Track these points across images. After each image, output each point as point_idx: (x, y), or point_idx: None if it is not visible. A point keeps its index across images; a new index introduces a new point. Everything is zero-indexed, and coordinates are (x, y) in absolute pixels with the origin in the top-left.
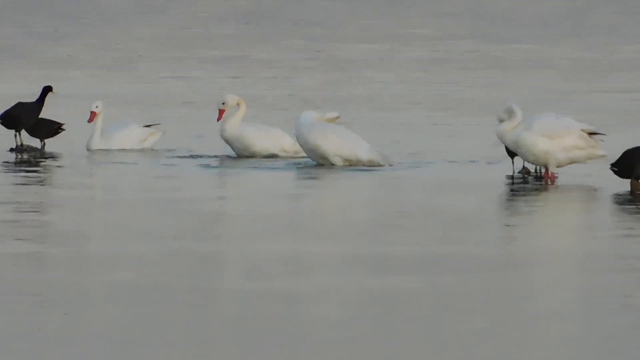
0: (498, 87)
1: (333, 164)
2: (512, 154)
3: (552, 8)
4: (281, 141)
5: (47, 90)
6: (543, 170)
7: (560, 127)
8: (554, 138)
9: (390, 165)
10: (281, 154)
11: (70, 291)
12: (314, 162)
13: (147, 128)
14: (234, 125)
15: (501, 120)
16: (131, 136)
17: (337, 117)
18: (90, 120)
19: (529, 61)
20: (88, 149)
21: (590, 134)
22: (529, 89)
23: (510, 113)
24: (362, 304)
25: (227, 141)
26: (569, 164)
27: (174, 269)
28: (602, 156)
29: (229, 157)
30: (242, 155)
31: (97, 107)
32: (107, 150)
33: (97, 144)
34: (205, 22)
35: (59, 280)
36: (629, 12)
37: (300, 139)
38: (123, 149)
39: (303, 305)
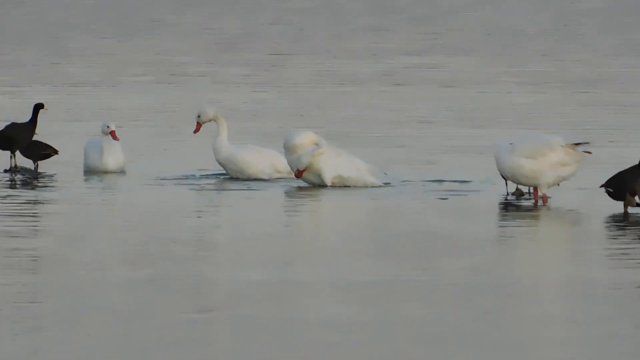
0: (495, 104)
1: (325, 185)
2: None
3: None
4: (274, 162)
5: (38, 107)
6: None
7: (542, 146)
8: (538, 157)
9: (383, 184)
10: (274, 175)
11: (67, 317)
12: (305, 184)
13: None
14: (223, 145)
15: None
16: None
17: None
18: (116, 138)
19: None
20: (105, 170)
21: (576, 144)
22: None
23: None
24: (349, 329)
25: (220, 163)
26: (560, 181)
27: (158, 294)
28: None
29: (221, 178)
30: (236, 177)
31: (109, 126)
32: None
33: (112, 163)
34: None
35: (54, 307)
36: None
37: (291, 160)
38: (120, 170)
39: (291, 330)
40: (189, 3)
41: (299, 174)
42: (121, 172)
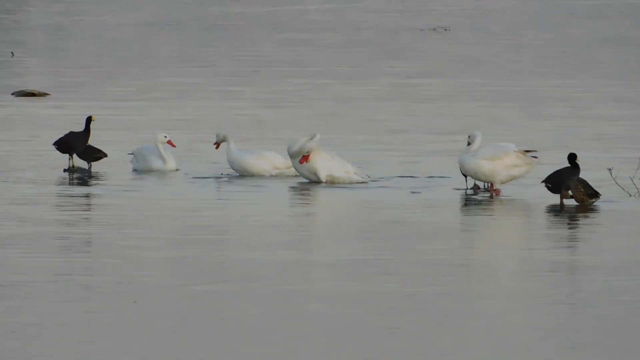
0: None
1: (320, 181)
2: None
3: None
4: (273, 161)
5: (89, 119)
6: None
7: (499, 151)
8: (495, 160)
9: (367, 181)
10: (274, 171)
11: (114, 288)
12: (304, 180)
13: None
14: (231, 151)
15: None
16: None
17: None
18: (174, 146)
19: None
20: (168, 170)
21: (526, 151)
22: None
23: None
24: (338, 299)
25: (230, 166)
26: (512, 179)
27: (186, 270)
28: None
29: (233, 176)
30: (243, 175)
31: (165, 136)
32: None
33: (173, 164)
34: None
35: (105, 282)
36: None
37: (295, 164)
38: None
39: (295, 304)
40: (205, 40)
41: (305, 159)
42: (175, 171)
